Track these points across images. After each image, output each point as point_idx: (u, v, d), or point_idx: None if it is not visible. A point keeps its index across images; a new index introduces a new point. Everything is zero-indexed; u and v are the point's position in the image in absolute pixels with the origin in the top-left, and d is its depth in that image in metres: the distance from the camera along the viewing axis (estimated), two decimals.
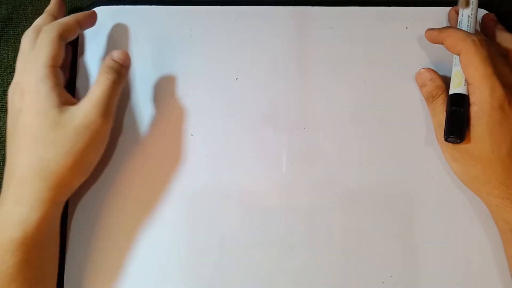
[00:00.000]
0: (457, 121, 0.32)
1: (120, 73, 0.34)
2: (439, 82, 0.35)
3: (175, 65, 0.38)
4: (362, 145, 0.37)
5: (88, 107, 0.32)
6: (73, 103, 0.32)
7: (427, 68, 0.36)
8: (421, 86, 0.36)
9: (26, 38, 0.34)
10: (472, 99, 0.31)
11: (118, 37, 0.39)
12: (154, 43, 0.39)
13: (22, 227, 0.29)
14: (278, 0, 0.40)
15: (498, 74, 0.31)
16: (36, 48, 0.33)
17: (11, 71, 0.41)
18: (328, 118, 0.37)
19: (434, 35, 0.35)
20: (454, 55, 0.34)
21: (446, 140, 0.32)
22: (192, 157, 0.36)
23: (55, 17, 0.37)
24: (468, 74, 0.32)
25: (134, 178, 0.36)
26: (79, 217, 0.36)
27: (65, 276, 0.35)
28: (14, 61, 0.39)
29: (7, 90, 0.40)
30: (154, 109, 0.38)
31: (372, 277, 0.34)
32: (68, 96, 0.33)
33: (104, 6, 0.39)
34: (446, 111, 0.33)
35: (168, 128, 0.37)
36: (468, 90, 0.32)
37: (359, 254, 0.35)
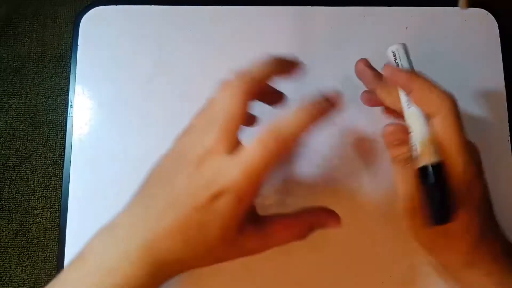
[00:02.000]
0: (443, 198, 0.26)
1: None
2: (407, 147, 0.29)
3: (175, 65, 0.38)
4: (362, 145, 0.36)
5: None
6: None
7: (396, 124, 0.30)
8: (388, 148, 0.30)
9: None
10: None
11: (118, 37, 0.39)
12: (154, 43, 0.39)
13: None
14: (278, 0, 0.40)
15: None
16: None
17: (11, 71, 0.41)
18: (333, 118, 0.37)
19: (399, 79, 0.29)
20: (403, 96, 0.29)
21: (435, 224, 0.27)
22: None
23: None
24: (442, 141, 0.27)
25: (134, 178, 0.36)
26: (79, 217, 0.36)
27: None
28: (14, 61, 0.39)
29: (6, 90, 0.41)
30: (154, 109, 0.38)
31: (372, 278, 0.34)
32: None
33: (104, 6, 0.39)
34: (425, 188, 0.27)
35: (168, 128, 0.37)
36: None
37: (359, 254, 0.35)
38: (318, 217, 0.29)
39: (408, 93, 0.28)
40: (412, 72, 0.29)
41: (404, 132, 0.29)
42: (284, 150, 0.25)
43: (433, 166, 0.26)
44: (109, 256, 0.25)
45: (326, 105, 0.27)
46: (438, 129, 0.27)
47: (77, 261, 0.26)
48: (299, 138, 0.25)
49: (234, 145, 0.25)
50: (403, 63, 0.29)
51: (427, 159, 0.27)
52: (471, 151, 0.27)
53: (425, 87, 0.28)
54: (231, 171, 0.24)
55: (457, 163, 0.26)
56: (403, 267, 0.35)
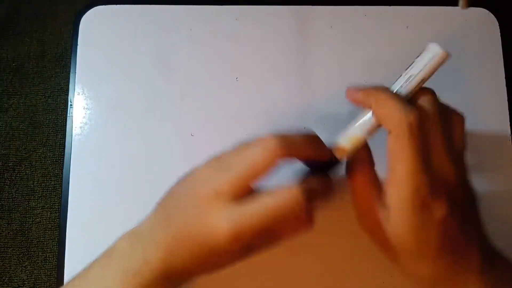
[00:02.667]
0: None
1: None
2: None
3: (175, 65, 0.38)
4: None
5: None
6: None
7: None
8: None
9: None
10: (390, 191, 0.26)
11: (117, 36, 0.39)
12: (154, 43, 0.39)
13: None
14: (278, 0, 0.39)
15: (430, 164, 0.26)
16: None
17: (10, 70, 0.41)
18: (328, 117, 0.37)
19: (358, 97, 0.28)
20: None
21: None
22: (192, 157, 0.36)
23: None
24: (392, 162, 0.26)
25: (134, 178, 0.36)
26: (79, 217, 0.36)
27: (65, 276, 0.35)
28: (13, 61, 0.39)
29: (6, 89, 0.41)
30: (154, 108, 0.38)
31: (372, 278, 0.34)
32: None
33: (103, 6, 0.39)
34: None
35: (168, 128, 0.37)
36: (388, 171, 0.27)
37: (360, 254, 0.35)
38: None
39: (372, 108, 0.28)
40: (371, 88, 0.28)
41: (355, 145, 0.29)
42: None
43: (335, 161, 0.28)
44: (134, 259, 0.26)
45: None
46: (390, 146, 0.26)
47: (104, 258, 0.27)
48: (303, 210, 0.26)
49: (243, 193, 0.26)
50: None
51: (340, 154, 0.28)
52: (424, 172, 0.25)
53: (382, 103, 0.27)
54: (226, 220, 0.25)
55: (403, 188, 0.26)
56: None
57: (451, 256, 0.26)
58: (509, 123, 0.37)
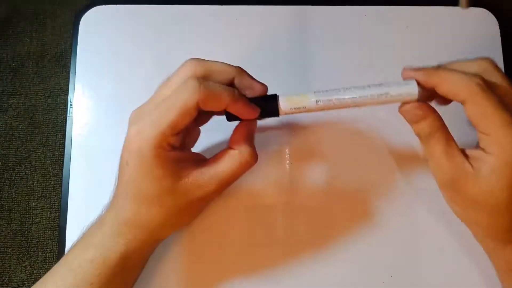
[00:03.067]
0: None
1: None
2: (432, 118, 0.28)
3: (175, 64, 0.38)
4: (362, 144, 0.36)
5: None
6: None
7: (413, 104, 0.29)
8: (411, 123, 0.29)
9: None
10: (489, 150, 0.27)
11: (117, 36, 0.39)
12: (154, 43, 0.39)
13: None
14: None
15: None
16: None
17: (10, 70, 0.41)
18: (328, 117, 0.37)
19: (420, 78, 0.28)
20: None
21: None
22: None
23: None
24: (481, 126, 0.27)
25: None
26: (79, 217, 0.36)
27: None
28: (13, 61, 0.39)
29: (6, 89, 0.41)
30: None
31: (372, 277, 0.34)
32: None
33: (103, 5, 0.39)
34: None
35: None
36: (480, 140, 0.27)
37: (360, 254, 0.35)
38: (242, 129, 0.30)
39: (435, 88, 0.28)
40: (430, 68, 0.29)
41: (420, 108, 0.28)
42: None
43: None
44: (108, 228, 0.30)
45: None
46: (472, 115, 0.27)
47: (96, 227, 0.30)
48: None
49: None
50: None
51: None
52: None
53: (447, 80, 0.27)
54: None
55: (498, 144, 0.26)
56: (404, 267, 0.34)
57: None
58: None
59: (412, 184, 0.36)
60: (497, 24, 0.39)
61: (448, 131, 0.29)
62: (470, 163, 0.27)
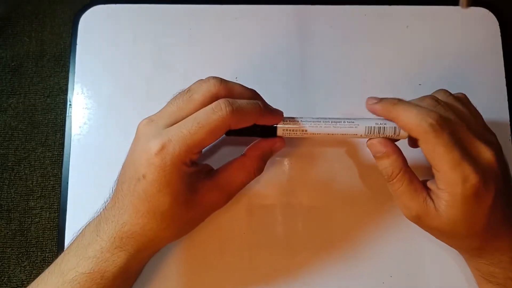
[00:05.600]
0: None
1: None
2: (395, 157, 0.29)
3: (174, 64, 0.38)
4: (362, 145, 0.36)
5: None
6: None
7: (380, 139, 0.30)
8: (375, 158, 0.30)
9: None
10: (441, 186, 0.28)
11: (117, 36, 0.39)
12: (154, 42, 0.39)
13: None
14: None
15: (469, 153, 0.27)
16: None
17: (9, 70, 0.41)
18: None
19: (380, 112, 0.30)
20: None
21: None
22: None
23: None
24: (433, 163, 0.28)
25: None
26: (78, 217, 0.36)
27: None
28: (12, 60, 0.39)
29: (5, 89, 0.40)
30: (153, 108, 0.37)
31: (372, 277, 0.34)
32: None
33: (102, 5, 0.39)
34: None
35: None
36: (434, 175, 0.28)
37: (360, 254, 0.35)
38: (264, 146, 0.31)
39: (394, 120, 0.29)
40: (389, 101, 0.29)
41: (384, 145, 0.29)
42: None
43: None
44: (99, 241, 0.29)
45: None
46: (425, 153, 0.28)
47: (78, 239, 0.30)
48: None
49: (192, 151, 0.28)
50: None
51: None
52: (466, 161, 0.27)
53: (402, 116, 0.28)
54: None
55: (449, 183, 0.27)
56: (404, 267, 0.34)
57: (495, 231, 0.29)
58: (509, 122, 0.37)
59: None
60: (498, 23, 0.39)
61: (410, 170, 0.29)
62: (431, 198, 0.29)
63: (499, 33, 0.39)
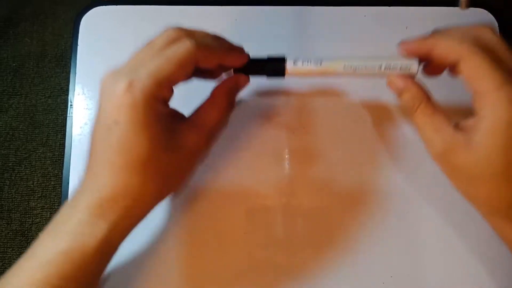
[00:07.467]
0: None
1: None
2: (415, 90, 0.29)
3: None
4: (362, 144, 0.37)
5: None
6: None
7: (398, 75, 0.30)
8: (399, 96, 0.30)
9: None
10: (482, 112, 0.25)
11: (118, 37, 0.39)
12: None
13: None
14: (278, 0, 0.40)
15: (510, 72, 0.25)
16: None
17: (11, 70, 0.41)
18: (328, 117, 0.37)
19: (415, 47, 0.29)
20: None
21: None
22: None
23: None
24: (476, 85, 0.26)
25: None
26: None
27: None
28: (14, 61, 0.39)
29: (6, 90, 0.41)
30: None
31: (372, 278, 0.34)
32: None
33: (103, 6, 0.39)
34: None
35: None
36: (474, 102, 0.26)
37: (360, 255, 0.35)
38: (229, 82, 0.31)
39: (430, 52, 0.28)
40: (422, 38, 0.29)
41: (403, 79, 0.29)
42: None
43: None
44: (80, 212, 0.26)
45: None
46: (466, 74, 0.26)
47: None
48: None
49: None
50: None
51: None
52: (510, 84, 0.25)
53: (441, 39, 0.27)
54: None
55: (493, 105, 0.25)
56: (404, 268, 0.35)
57: None
58: None
59: (412, 184, 0.36)
60: (497, 24, 0.39)
61: (434, 103, 0.28)
62: (462, 132, 0.27)
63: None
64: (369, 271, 0.34)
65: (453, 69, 0.28)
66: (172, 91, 0.27)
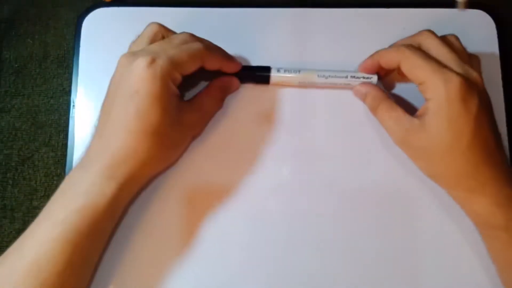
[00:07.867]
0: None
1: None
2: (374, 92, 0.34)
3: None
4: (362, 144, 0.37)
5: None
6: None
7: (359, 84, 0.35)
8: (363, 100, 0.36)
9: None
10: (427, 96, 0.30)
11: (119, 38, 0.39)
12: None
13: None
14: (277, 2, 0.40)
15: (449, 67, 0.30)
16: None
17: (13, 71, 0.41)
18: (328, 117, 0.37)
19: (368, 63, 0.34)
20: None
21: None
22: (192, 157, 0.37)
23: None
24: (416, 77, 0.30)
25: None
26: None
27: None
28: (16, 62, 0.39)
29: (9, 90, 0.41)
30: None
31: (372, 277, 0.34)
32: None
33: (106, 7, 0.40)
34: None
35: None
36: (421, 92, 0.31)
37: (359, 254, 0.35)
38: (223, 80, 0.36)
39: (398, 66, 0.32)
40: (395, 46, 0.33)
41: (363, 86, 0.35)
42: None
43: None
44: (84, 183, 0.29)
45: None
46: (406, 73, 0.31)
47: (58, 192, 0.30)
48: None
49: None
50: None
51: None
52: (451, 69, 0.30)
53: (384, 52, 0.33)
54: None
55: (433, 86, 0.29)
56: (404, 267, 0.35)
57: (480, 153, 0.29)
58: (505, 124, 0.37)
59: (412, 183, 0.36)
60: (494, 25, 0.39)
61: (392, 101, 0.34)
62: (417, 119, 0.31)
63: (496, 35, 0.39)
64: (369, 270, 0.35)
65: (399, 72, 0.32)
66: (182, 77, 0.31)
